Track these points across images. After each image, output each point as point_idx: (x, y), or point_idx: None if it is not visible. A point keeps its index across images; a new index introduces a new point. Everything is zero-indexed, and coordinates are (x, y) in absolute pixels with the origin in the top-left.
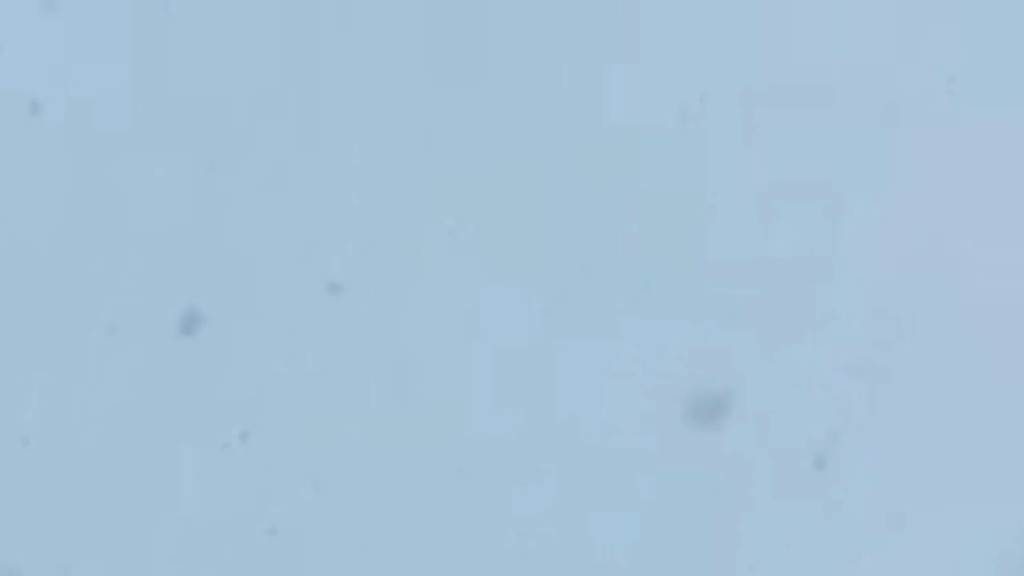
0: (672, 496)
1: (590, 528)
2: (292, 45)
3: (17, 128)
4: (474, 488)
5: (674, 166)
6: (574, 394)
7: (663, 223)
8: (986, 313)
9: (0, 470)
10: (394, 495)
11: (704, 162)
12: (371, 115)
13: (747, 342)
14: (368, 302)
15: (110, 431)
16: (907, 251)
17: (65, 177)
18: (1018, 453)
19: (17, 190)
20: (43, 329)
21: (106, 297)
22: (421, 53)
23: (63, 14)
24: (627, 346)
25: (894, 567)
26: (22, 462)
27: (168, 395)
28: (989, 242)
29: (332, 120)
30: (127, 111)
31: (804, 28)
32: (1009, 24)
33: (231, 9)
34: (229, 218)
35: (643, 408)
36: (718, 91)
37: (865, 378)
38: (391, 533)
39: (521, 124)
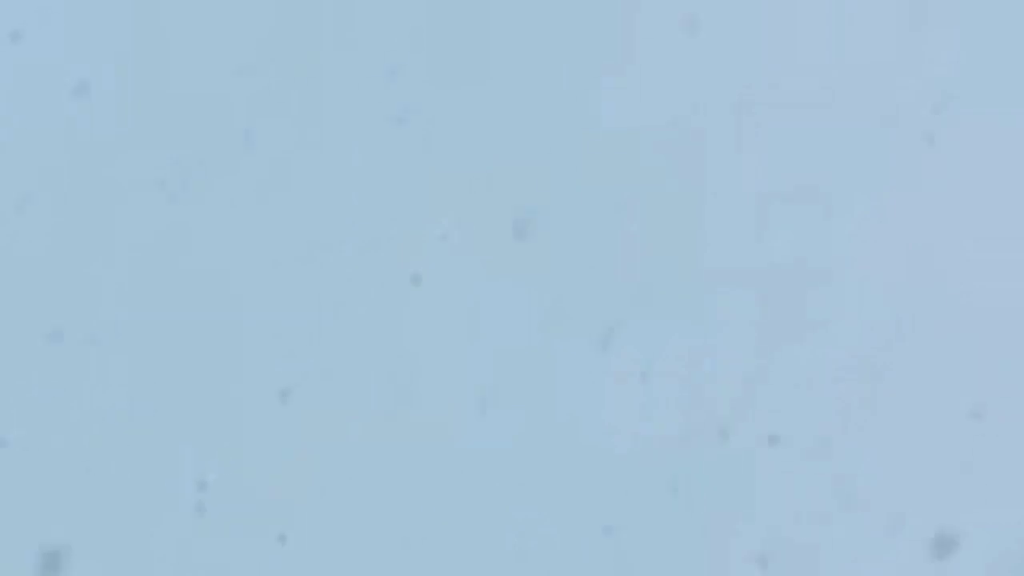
0: (673, 496)
1: (590, 530)
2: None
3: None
4: (472, 493)
5: (672, 169)
6: (573, 398)
7: (661, 226)
8: (984, 315)
9: None
10: (391, 498)
11: (702, 165)
12: (369, 113)
13: (746, 345)
14: (367, 302)
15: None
16: (906, 254)
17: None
18: (1018, 453)
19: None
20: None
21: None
22: (419, 57)
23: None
24: (627, 348)
25: (894, 567)
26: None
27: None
28: (987, 245)
29: (332, 114)
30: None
31: (800, 34)
32: (1006, 33)
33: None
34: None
35: (643, 412)
36: (714, 97)
37: (865, 379)
38: (388, 538)
39: (516, 130)
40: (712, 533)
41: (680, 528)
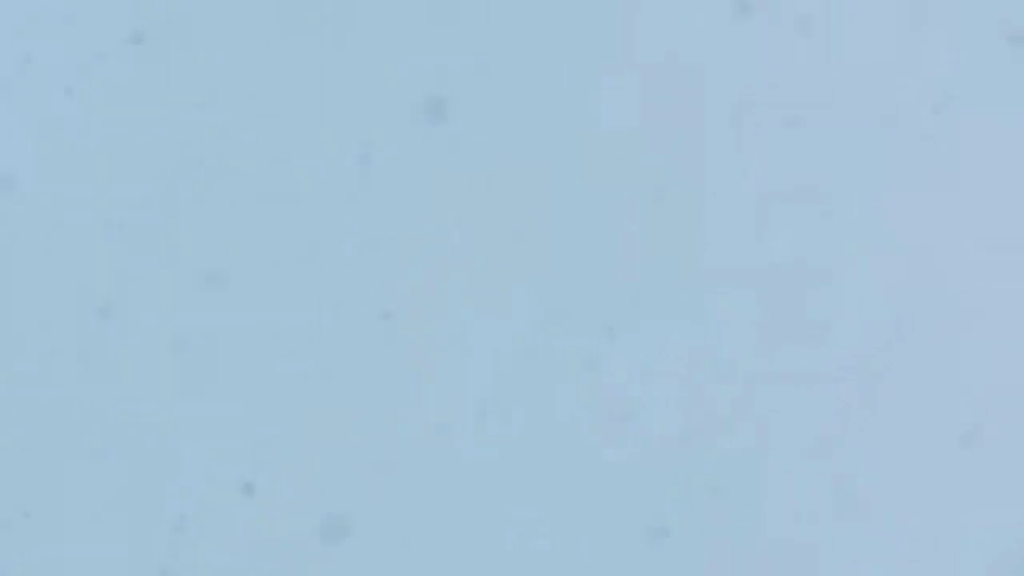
0: (673, 497)
1: (590, 532)
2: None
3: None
4: (471, 496)
5: (672, 169)
6: (572, 399)
7: (661, 226)
8: (984, 315)
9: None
10: (385, 507)
11: (702, 165)
12: (369, 113)
13: (746, 345)
14: (366, 301)
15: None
16: (906, 254)
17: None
18: (1018, 453)
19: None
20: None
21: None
22: (417, 56)
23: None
24: (627, 348)
25: (894, 567)
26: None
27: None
28: (986, 245)
29: (332, 115)
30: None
31: (800, 33)
32: (1003, 34)
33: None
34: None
35: (643, 412)
36: (714, 97)
37: (865, 379)
38: (386, 540)
39: (516, 129)
40: (712, 534)
41: (680, 528)
